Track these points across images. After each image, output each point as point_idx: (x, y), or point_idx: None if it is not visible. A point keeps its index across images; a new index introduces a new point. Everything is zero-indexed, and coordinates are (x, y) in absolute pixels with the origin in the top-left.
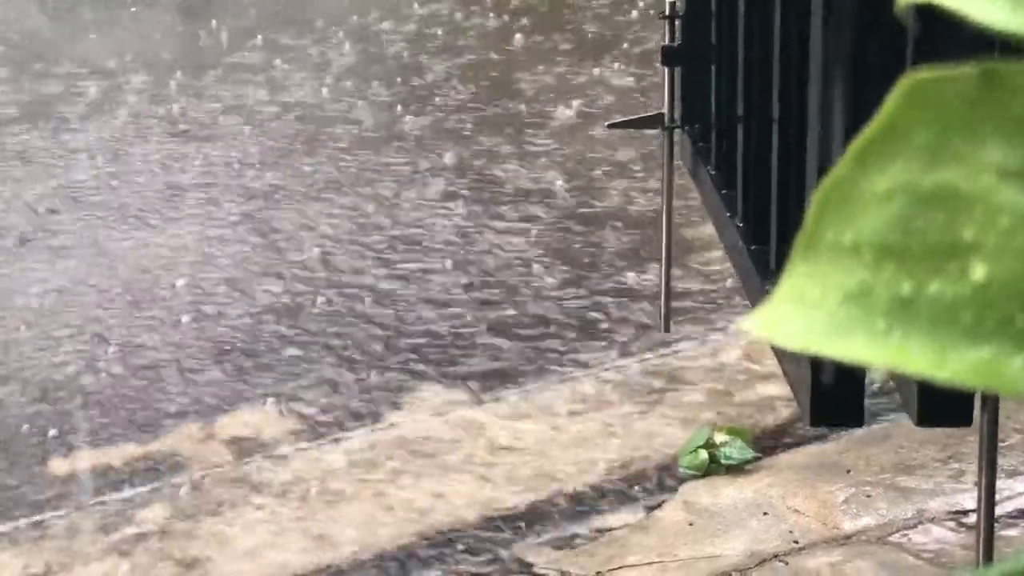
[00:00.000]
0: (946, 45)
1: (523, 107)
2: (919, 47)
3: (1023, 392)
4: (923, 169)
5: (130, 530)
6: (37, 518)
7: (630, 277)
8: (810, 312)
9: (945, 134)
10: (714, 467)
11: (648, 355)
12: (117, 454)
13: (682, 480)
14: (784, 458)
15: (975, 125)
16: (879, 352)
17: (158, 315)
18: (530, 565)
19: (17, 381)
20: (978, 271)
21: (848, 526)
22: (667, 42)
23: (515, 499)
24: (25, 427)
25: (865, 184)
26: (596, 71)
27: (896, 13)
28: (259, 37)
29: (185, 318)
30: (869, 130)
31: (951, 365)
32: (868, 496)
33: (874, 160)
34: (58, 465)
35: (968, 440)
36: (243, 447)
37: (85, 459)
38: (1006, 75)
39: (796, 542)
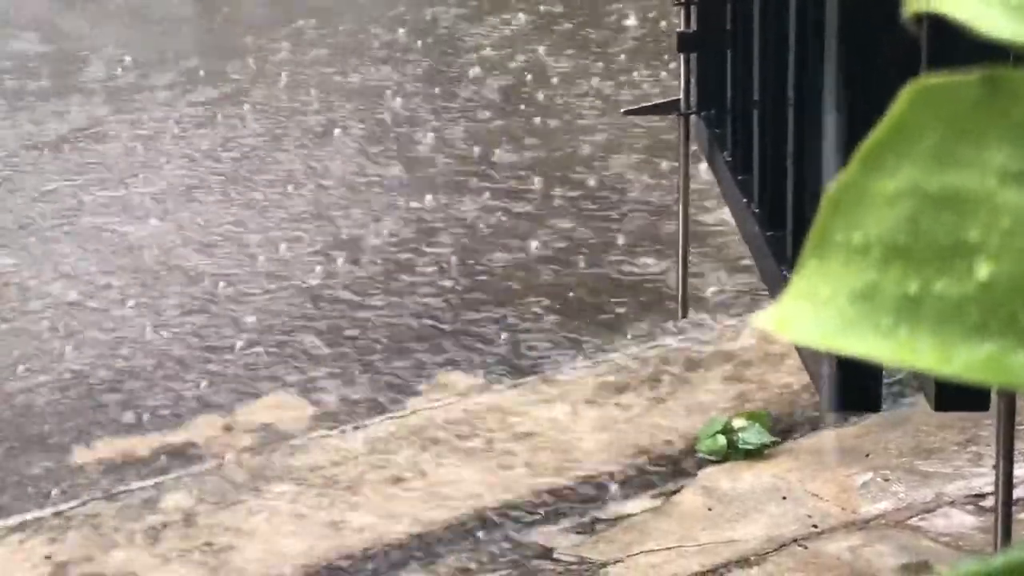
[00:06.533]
0: (960, 38)
1: None
2: (932, 31)
3: None
4: (929, 172)
5: (154, 518)
6: (62, 507)
7: None
8: (821, 310)
9: (950, 138)
10: (732, 452)
11: (666, 340)
12: (141, 443)
13: (701, 465)
14: (802, 443)
15: (979, 129)
16: (887, 349)
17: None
18: (550, 550)
19: (43, 370)
20: (983, 270)
21: (867, 510)
22: (682, 28)
23: (535, 485)
24: (49, 415)
25: (873, 186)
26: None
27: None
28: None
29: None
30: (877, 133)
31: (957, 361)
32: (886, 480)
33: (882, 163)
34: (82, 454)
35: (986, 424)
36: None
37: (108, 448)
38: (1009, 81)
39: (815, 526)
